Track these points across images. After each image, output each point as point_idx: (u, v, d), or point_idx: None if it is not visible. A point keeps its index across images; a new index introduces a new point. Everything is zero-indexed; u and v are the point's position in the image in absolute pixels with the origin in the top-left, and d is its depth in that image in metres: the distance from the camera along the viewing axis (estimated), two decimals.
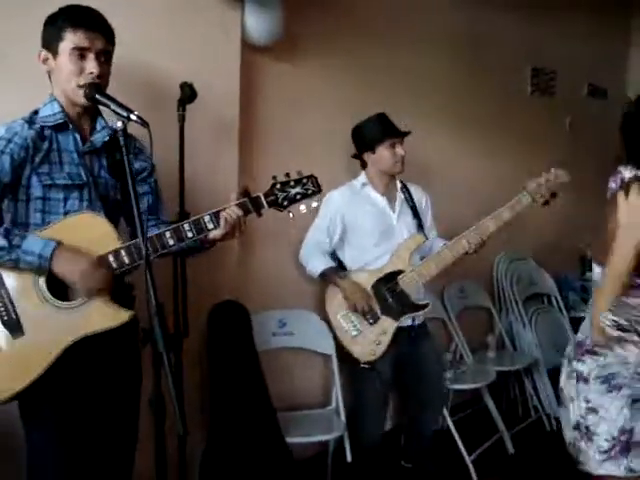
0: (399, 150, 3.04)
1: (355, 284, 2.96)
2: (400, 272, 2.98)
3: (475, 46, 4.18)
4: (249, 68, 3.06)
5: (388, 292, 2.97)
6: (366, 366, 2.94)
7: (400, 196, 3.15)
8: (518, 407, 4.19)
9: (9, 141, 1.86)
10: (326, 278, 3.03)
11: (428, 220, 3.26)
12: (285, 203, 2.06)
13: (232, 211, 1.98)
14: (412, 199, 3.17)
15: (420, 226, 3.14)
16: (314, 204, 2.11)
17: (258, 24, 2.99)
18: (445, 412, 3.46)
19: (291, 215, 2.08)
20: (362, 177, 3.15)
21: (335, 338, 3.07)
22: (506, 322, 4.34)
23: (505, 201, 3.01)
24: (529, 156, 4.37)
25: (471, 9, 4.13)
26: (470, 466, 3.32)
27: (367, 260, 3.05)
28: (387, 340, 2.94)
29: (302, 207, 2.08)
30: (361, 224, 3.07)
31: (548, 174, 2.98)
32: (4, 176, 1.84)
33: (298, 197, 2.07)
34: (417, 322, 3.08)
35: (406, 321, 3.02)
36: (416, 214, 3.15)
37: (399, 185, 3.17)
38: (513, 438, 3.70)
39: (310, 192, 2.08)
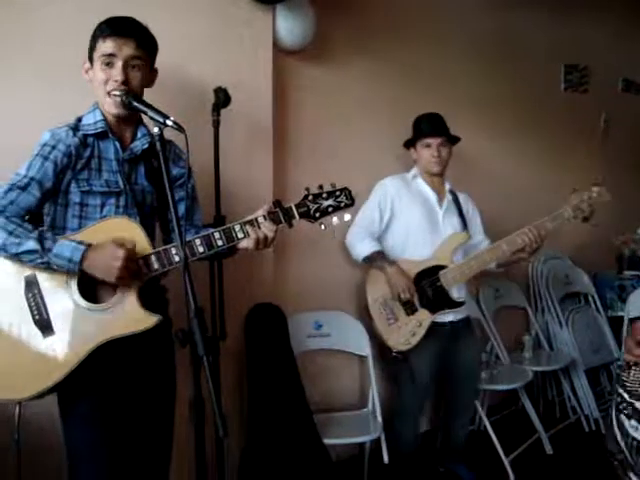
0: (433, 151, 3.07)
1: (402, 272, 2.96)
2: (442, 267, 2.99)
3: (507, 44, 4.16)
4: (281, 72, 3.09)
5: (428, 285, 2.97)
6: (398, 356, 2.95)
7: (448, 196, 3.17)
8: (556, 408, 4.14)
9: (53, 147, 1.90)
10: (372, 262, 3.04)
11: (478, 227, 3.27)
12: (317, 215, 2.05)
13: (263, 226, 1.98)
14: (459, 202, 3.19)
15: (465, 227, 3.15)
16: (347, 217, 2.09)
17: (289, 28, 3.01)
18: (482, 413, 3.45)
19: (322, 227, 2.06)
20: (414, 170, 3.19)
21: (370, 325, 3.07)
22: (542, 322, 4.29)
23: (540, 200, 2.99)
24: (563, 153, 4.32)
25: (503, 7, 4.10)
26: (508, 467, 3.29)
27: (409, 250, 3.06)
28: (422, 332, 2.94)
29: (334, 219, 2.07)
30: (408, 212, 3.08)
31: (591, 192, 2.98)
32: (47, 181, 1.89)
33: (330, 209, 2.05)
34: (459, 317, 3.09)
35: (446, 317, 3.03)
36: (462, 215, 3.17)
37: (447, 187, 3.19)
38: (551, 439, 3.65)
39: (343, 205, 2.07)
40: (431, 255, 3.02)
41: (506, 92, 4.11)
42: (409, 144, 3.20)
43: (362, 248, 3.06)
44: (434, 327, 2.97)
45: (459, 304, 3.02)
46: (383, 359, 3.23)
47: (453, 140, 3.15)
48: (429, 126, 3.11)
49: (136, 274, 1.85)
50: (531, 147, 4.27)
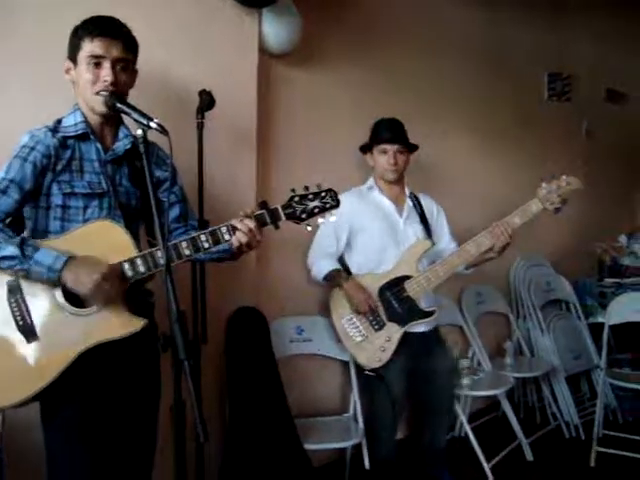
0: (389, 158, 3.04)
1: (358, 285, 2.94)
2: (407, 277, 2.96)
3: (491, 52, 4.19)
4: (266, 75, 3.08)
5: (394, 297, 2.94)
6: (371, 374, 2.93)
7: (408, 203, 3.14)
8: (536, 414, 4.17)
9: (32, 149, 1.88)
10: (330, 280, 3.02)
11: (445, 231, 3.23)
12: (303, 216, 2.04)
13: (244, 224, 1.95)
14: (421, 207, 3.15)
15: (428, 233, 3.12)
16: (332, 218, 2.08)
17: (275, 31, 3.01)
18: (463, 419, 3.45)
19: (309, 228, 2.07)
20: (370, 181, 3.16)
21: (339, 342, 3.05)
22: (524, 328, 4.32)
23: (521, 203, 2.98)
24: (545, 161, 4.35)
25: (487, 15, 4.13)
26: (488, 473, 3.30)
27: (373, 265, 3.03)
28: (392, 347, 2.91)
29: (320, 220, 2.07)
30: (367, 227, 3.05)
31: (559, 180, 2.92)
32: (26, 183, 1.86)
33: (316, 211, 2.05)
34: (429, 328, 3.06)
35: (417, 327, 2.99)
36: (424, 221, 3.13)
37: (407, 192, 3.16)
38: (532, 445, 3.67)
39: (328, 206, 2.06)
40: (395, 267, 2.98)
41: (490, 99, 4.14)
42: (365, 149, 3.15)
43: (319, 267, 3.05)
44: (405, 339, 2.94)
45: (430, 314, 2.98)
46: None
47: (411, 148, 3.10)
48: (387, 132, 3.06)
49: (109, 295, 1.82)
50: (513, 154, 4.30)
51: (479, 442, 3.38)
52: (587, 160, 4.60)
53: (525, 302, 4.32)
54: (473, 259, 2.97)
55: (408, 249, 3.02)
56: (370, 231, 3.05)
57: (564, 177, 2.94)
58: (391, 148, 3.04)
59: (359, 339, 2.95)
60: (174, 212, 2.16)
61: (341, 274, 3.00)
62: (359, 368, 3.02)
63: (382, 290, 2.95)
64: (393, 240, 3.04)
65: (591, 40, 4.84)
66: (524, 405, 4.24)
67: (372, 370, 2.93)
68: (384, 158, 3.06)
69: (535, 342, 4.25)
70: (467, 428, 3.44)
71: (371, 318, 2.93)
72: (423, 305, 2.97)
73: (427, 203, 3.21)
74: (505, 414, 3.72)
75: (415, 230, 3.10)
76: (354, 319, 2.96)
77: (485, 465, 3.33)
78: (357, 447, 3.07)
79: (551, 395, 4.10)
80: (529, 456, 3.61)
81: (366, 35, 3.50)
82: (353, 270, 3.07)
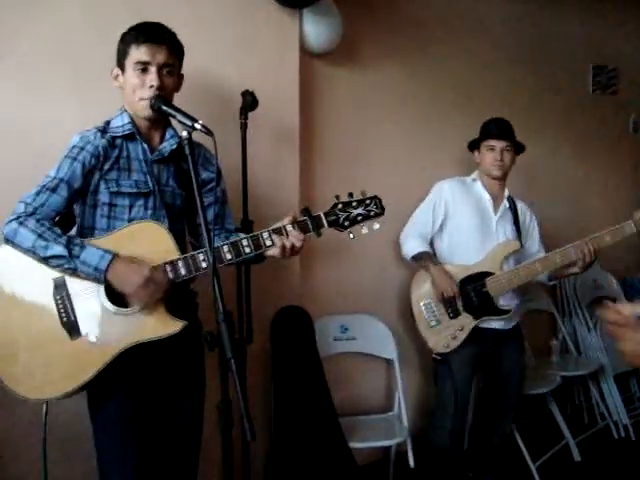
0: (496, 154, 3.04)
1: (446, 273, 2.95)
2: (489, 274, 2.96)
3: (535, 46, 4.11)
4: (308, 75, 3.10)
5: (473, 290, 2.95)
6: (437, 357, 2.95)
7: (505, 204, 3.13)
8: (584, 414, 4.09)
9: (82, 149, 1.94)
10: (419, 262, 3.03)
11: (535, 238, 3.22)
12: (346, 224, 2.03)
13: (291, 235, 1.96)
14: (516, 210, 3.15)
15: (518, 235, 3.11)
16: (376, 226, 2.06)
17: (316, 31, 3.02)
18: None
19: (351, 236, 2.04)
20: (475, 173, 3.17)
21: (413, 325, 3.05)
22: (570, 326, 4.24)
23: (567, 202, 2.94)
24: (591, 156, 4.27)
25: (530, 9, 4.06)
26: (535, 474, 3.26)
27: (460, 254, 3.04)
28: (463, 336, 2.93)
29: (364, 229, 2.05)
30: (462, 215, 3.06)
31: None
32: (75, 182, 1.92)
33: (360, 218, 2.04)
34: (505, 327, 3.03)
35: (491, 324, 3.00)
36: (516, 223, 3.13)
37: (506, 193, 3.15)
38: (579, 445, 3.61)
39: (372, 214, 2.05)
40: (480, 261, 2.99)
41: (534, 94, 4.07)
42: (473, 146, 3.16)
43: (412, 245, 3.07)
44: (478, 332, 2.95)
45: (504, 312, 2.98)
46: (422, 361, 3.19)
47: (518, 148, 3.11)
48: (496, 129, 3.08)
49: (154, 295, 1.86)
50: (558, 150, 4.22)
51: (525, 441, 3.35)
52: (635, 155, 4.50)
53: (571, 299, 4.24)
54: (556, 270, 2.97)
55: (497, 247, 3.02)
56: (463, 219, 3.06)
57: None
58: (498, 144, 3.05)
59: (433, 323, 2.97)
60: (210, 213, 2.17)
61: (431, 257, 3.02)
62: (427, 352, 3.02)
63: (464, 281, 2.96)
64: (482, 235, 3.04)
65: (635, 31, 4.72)
66: (571, 404, 4.17)
67: (439, 354, 2.95)
68: (491, 154, 3.06)
69: (582, 340, 4.17)
70: (513, 427, 3.39)
71: (448, 305, 2.95)
72: (501, 303, 2.98)
73: (522, 208, 3.21)
74: (552, 413, 3.66)
75: (506, 230, 3.09)
76: (432, 303, 2.98)
77: (531, 465, 3.29)
78: (402, 446, 3.07)
79: (599, 394, 4.02)
80: (577, 456, 3.56)
81: (406, 34, 3.48)
82: (439, 256, 3.08)
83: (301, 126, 3.01)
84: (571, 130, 4.29)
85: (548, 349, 3.98)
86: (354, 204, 2.03)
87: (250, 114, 2.65)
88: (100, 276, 1.82)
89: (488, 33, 3.87)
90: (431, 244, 3.13)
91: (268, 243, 1.96)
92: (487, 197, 3.10)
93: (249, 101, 2.63)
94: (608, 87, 4.71)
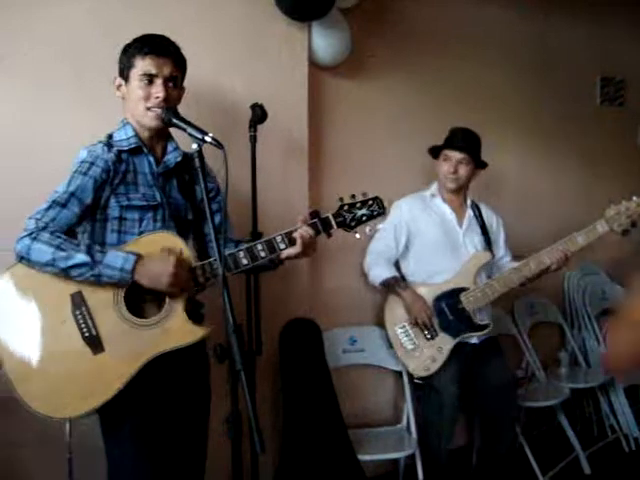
0: (449, 166, 2.99)
1: (418, 296, 2.92)
2: (463, 289, 2.93)
3: (542, 57, 4.12)
4: (317, 88, 3.12)
5: (449, 308, 2.92)
6: (419, 381, 2.94)
7: (469, 213, 3.10)
8: (593, 426, 4.06)
9: (92, 164, 1.94)
10: (388, 287, 3.01)
11: (501, 243, 3.19)
12: (352, 224, 2.10)
13: (305, 230, 2.02)
14: (482, 217, 3.11)
15: (488, 244, 3.08)
16: (379, 225, 2.16)
17: (325, 44, 3.05)
18: (518, 430, 3.39)
19: (357, 236, 2.12)
20: (433, 188, 3.12)
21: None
22: (579, 338, 4.21)
23: (572, 216, 2.93)
24: (598, 169, 4.27)
25: (538, 20, 4.07)
26: None
27: (429, 273, 3.01)
28: (443, 358, 2.90)
29: (367, 228, 2.13)
30: (425, 233, 3.03)
31: (629, 202, 2.86)
32: (86, 197, 1.92)
33: (364, 218, 2.11)
34: (482, 339, 3.02)
35: (470, 339, 2.97)
36: (485, 232, 3.10)
37: (469, 202, 3.12)
38: (589, 458, 3.57)
39: (375, 213, 2.13)
40: (453, 277, 2.96)
41: (541, 105, 4.08)
42: (435, 154, 3.10)
43: (377, 272, 3.04)
44: (458, 349, 2.92)
45: (483, 327, 2.96)
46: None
47: (479, 163, 3.04)
48: (455, 140, 3.02)
49: (186, 283, 1.88)
50: (564, 161, 4.22)
51: (534, 454, 3.33)
52: None
53: (580, 311, 4.21)
54: (530, 276, 2.94)
55: (468, 261, 2.99)
56: (426, 238, 3.03)
57: (635, 198, 2.86)
58: (453, 156, 3.00)
59: (410, 347, 2.94)
60: (217, 220, 2.17)
61: (399, 282, 2.98)
62: (410, 376, 3.02)
63: (437, 300, 2.93)
64: (450, 251, 3.01)
65: None
66: (581, 417, 4.14)
67: (420, 378, 2.93)
68: (445, 165, 3.02)
69: (591, 352, 4.14)
70: (522, 439, 3.38)
71: (424, 328, 2.91)
72: (478, 318, 2.95)
73: (488, 214, 3.17)
74: (561, 425, 3.64)
75: (474, 241, 3.06)
76: (407, 327, 2.95)
77: (541, 478, 3.27)
78: (411, 458, 3.06)
79: (609, 407, 3.99)
80: (587, 469, 3.52)
81: (414, 46, 3.50)
82: (408, 277, 3.06)
83: (310, 138, 3.04)
84: (578, 142, 4.28)
85: (557, 361, 3.96)
86: (358, 205, 2.11)
87: (259, 127, 2.67)
88: (127, 276, 1.82)
89: (495, 46, 3.87)
90: (397, 267, 3.09)
91: (282, 246, 2.00)
92: (449, 212, 3.06)
93: (258, 114, 2.65)
94: (616, 99, 4.71)
